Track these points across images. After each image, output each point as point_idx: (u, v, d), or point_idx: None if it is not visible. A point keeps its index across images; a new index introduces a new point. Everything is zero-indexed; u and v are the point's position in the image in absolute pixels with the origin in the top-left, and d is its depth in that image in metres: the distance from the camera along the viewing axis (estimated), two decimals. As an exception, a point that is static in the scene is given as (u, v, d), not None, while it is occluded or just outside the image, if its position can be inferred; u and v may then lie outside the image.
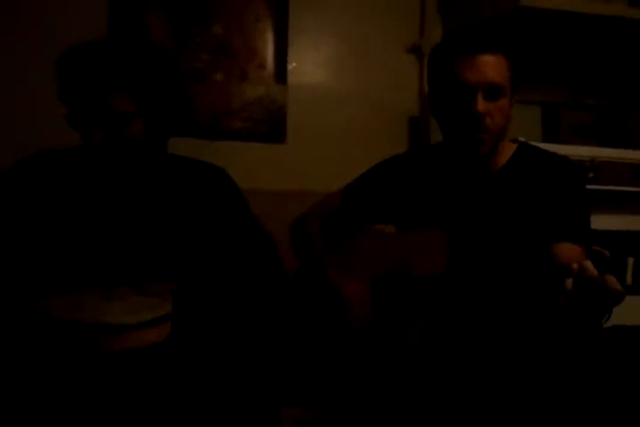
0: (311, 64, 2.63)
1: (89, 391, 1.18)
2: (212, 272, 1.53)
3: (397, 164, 1.69)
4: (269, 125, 2.55)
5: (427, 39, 2.68)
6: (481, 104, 1.40)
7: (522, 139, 1.61)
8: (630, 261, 1.09)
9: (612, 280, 1.00)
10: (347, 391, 1.44)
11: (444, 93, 1.47)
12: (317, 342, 1.48)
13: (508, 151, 1.55)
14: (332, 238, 1.67)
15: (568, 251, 1.37)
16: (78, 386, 1.18)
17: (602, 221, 1.55)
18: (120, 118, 1.41)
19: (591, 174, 2.35)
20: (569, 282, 1.07)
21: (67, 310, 1.23)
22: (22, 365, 1.23)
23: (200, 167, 1.66)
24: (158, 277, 1.46)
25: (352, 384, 1.44)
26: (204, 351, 1.37)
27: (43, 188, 1.53)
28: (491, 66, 1.41)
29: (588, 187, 1.60)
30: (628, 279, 1.07)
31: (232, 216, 1.64)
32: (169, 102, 1.50)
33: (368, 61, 2.67)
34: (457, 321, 1.44)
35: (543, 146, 1.61)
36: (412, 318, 1.44)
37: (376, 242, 1.60)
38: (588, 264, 1.03)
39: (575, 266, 1.04)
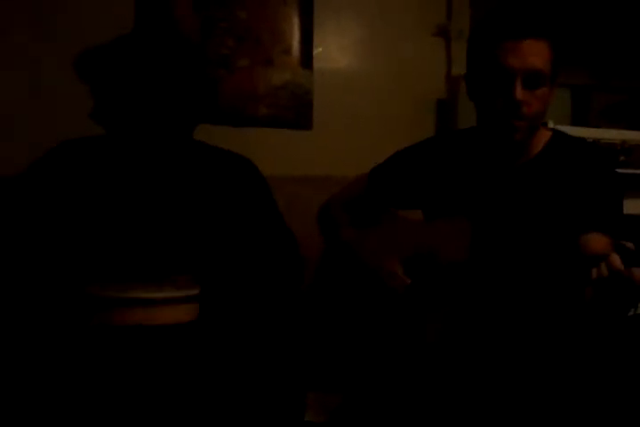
0: (337, 49, 2.60)
1: (113, 366, 1.20)
2: (235, 262, 1.54)
3: (426, 148, 1.67)
4: (295, 111, 2.54)
5: (454, 21, 2.65)
6: (519, 92, 1.37)
7: (551, 123, 1.59)
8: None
9: (638, 273, 0.99)
10: (372, 376, 1.44)
11: (483, 76, 1.44)
12: (344, 326, 1.48)
13: (542, 139, 1.52)
14: (359, 223, 1.66)
15: (596, 242, 1.35)
16: (102, 361, 1.21)
17: (632, 206, 1.52)
18: (150, 110, 1.43)
19: (622, 158, 2.31)
20: (595, 272, 1.06)
21: (95, 286, 1.25)
22: (47, 337, 1.26)
23: (227, 157, 1.66)
24: (182, 264, 1.48)
25: (378, 369, 1.44)
26: (230, 336, 1.39)
27: (71, 177, 1.54)
28: (534, 52, 1.37)
29: (619, 171, 1.57)
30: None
31: (254, 207, 1.64)
32: (194, 91, 1.50)
33: (394, 45, 2.64)
34: (479, 311, 1.43)
35: (573, 129, 1.59)
36: (434, 307, 1.43)
37: (401, 228, 1.59)
38: (615, 257, 1.02)
39: (603, 265, 1.03)
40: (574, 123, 2.74)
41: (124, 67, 1.43)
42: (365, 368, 1.46)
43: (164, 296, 1.26)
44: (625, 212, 1.47)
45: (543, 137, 1.52)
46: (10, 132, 2.06)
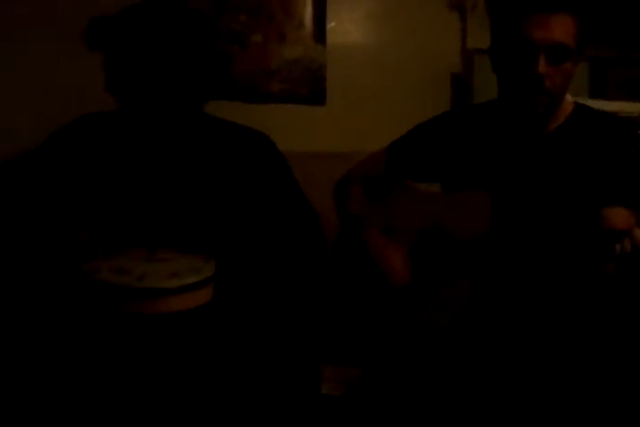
0: (350, 23, 2.58)
1: (130, 354, 1.21)
2: (254, 236, 1.54)
3: (445, 122, 1.65)
4: (309, 87, 2.53)
5: (470, -6, 2.61)
6: (542, 66, 1.35)
7: (569, 96, 1.56)
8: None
9: None
10: (388, 350, 1.45)
11: (506, 49, 1.42)
12: (358, 302, 1.49)
13: (564, 112, 1.50)
14: (376, 197, 1.66)
15: (618, 216, 1.33)
16: (121, 349, 1.21)
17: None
18: (160, 81, 1.42)
19: (640, 131, 2.28)
20: (618, 247, 1.05)
21: (111, 273, 1.25)
22: (64, 325, 1.26)
23: (244, 133, 1.66)
24: (200, 240, 1.48)
25: (394, 343, 1.44)
26: (245, 313, 1.39)
27: (88, 150, 1.55)
28: (560, 26, 1.35)
29: None
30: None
31: (275, 183, 1.64)
32: (204, 64, 1.50)
33: (408, 18, 2.60)
34: (499, 287, 1.42)
35: (591, 102, 1.56)
36: (453, 280, 1.43)
37: (418, 202, 1.58)
38: (638, 232, 1.01)
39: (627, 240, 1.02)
40: (592, 95, 2.70)
41: (132, 37, 1.42)
42: (384, 343, 1.46)
43: (180, 284, 1.26)
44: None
45: (565, 110, 1.50)
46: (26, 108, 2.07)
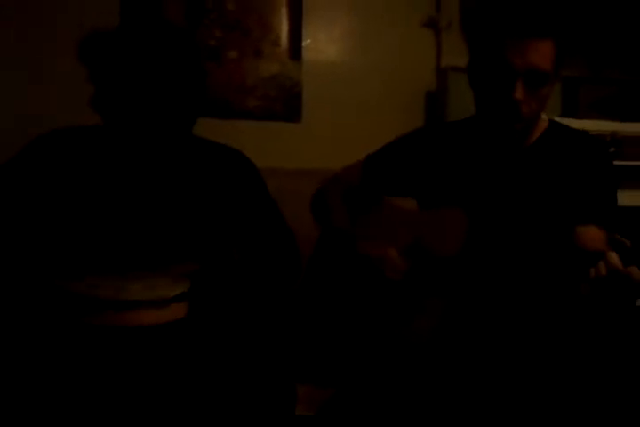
0: (326, 40, 2.59)
1: (104, 367, 1.19)
2: (229, 254, 1.53)
3: (421, 137, 1.65)
4: (284, 103, 2.53)
5: (443, 13, 2.64)
6: (519, 92, 1.35)
7: (543, 115, 1.58)
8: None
9: (636, 272, 0.99)
10: (363, 370, 1.44)
11: (484, 71, 1.41)
12: (336, 318, 1.48)
13: (538, 129, 1.51)
14: (352, 211, 1.65)
15: (591, 235, 1.34)
16: (94, 361, 1.19)
17: (623, 197, 1.52)
18: (146, 100, 1.41)
19: (612, 149, 2.31)
20: (593, 271, 1.05)
21: (84, 287, 1.24)
22: (37, 338, 1.24)
23: (220, 150, 1.65)
24: (176, 258, 1.46)
25: (369, 363, 1.43)
26: (219, 331, 1.38)
27: (60, 165, 1.52)
28: (539, 52, 1.34)
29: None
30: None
31: (250, 200, 1.63)
32: (192, 82, 1.49)
33: (383, 36, 2.63)
34: (473, 305, 1.42)
35: (563, 120, 1.58)
36: (425, 299, 1.42)
37: (395, 217, 1.58)
38: (613, 256, 1.02)
39: (601, 264, 1.03)
40: (564, 114, 2.73)
41: (116, 55, 1.41)
42: (357, 362, 1.45)
43: (153, 298, 1.25)
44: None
45: (540, 126, 1.52)
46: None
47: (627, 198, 2.14)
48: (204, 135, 1.68)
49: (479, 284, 1.40)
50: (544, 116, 1.54)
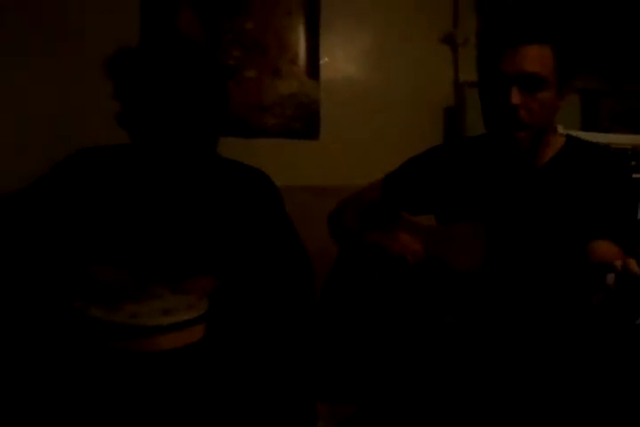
0: (343, 58, 2.60)
1: (121, 391, 1.19)
2: (248, 274, 1.53)
3: (439, 154, 1.66)
4: (302, 122, 2.54)
5: (460, 29, 2.64)
6: (515, 96, 1.37)
7: (561, 128, 1.57)
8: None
9: None
10: (384, 387, 1.43)
11: (485, 84, 1.44)
12: (356, 334, 1.47)
13: (555, 145, 1.50)
14: (372, 229, 1.66)
15: (605, 249, 1.33)
16: (111, 386, 1.19)
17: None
18: (169, 118, 1.43)
19: (633, 163, 2.29)
20: (610, 277, 1.05)
21: (102, 310, 1.24)
22: (56, 363, 1.25)
23: (242, 169, 1.66)
24: (194, 274, 1.47)
25: (389, 380, 1.42)
26: (238, 351, 1.37)
27: (87, 184, 1.54)
28: (531, 57, 1.37)
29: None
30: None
31: (268, 220, 1.63)
32: (216, 100, 1.51)
33: (401, 53, 2.64)
34: (491, 319, 1.41)
35: (583, 134, 1.57)
36: (444, 313, 1.41)
37: (413, 234, 1.58)
38: (632, 262, 1.02)
39: (619, 263, 1.03)
40: (584, 128, 2.72)
41: (142, 72, 1.43)
42: (377, 380, 1.44)
43: (172, 322, 1.25)
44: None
45: (556, 143, 1.51)
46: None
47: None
48: (222, 153, 1.69)
49: (497, 297, 1.39)
50: (561, 131, 1.53)
